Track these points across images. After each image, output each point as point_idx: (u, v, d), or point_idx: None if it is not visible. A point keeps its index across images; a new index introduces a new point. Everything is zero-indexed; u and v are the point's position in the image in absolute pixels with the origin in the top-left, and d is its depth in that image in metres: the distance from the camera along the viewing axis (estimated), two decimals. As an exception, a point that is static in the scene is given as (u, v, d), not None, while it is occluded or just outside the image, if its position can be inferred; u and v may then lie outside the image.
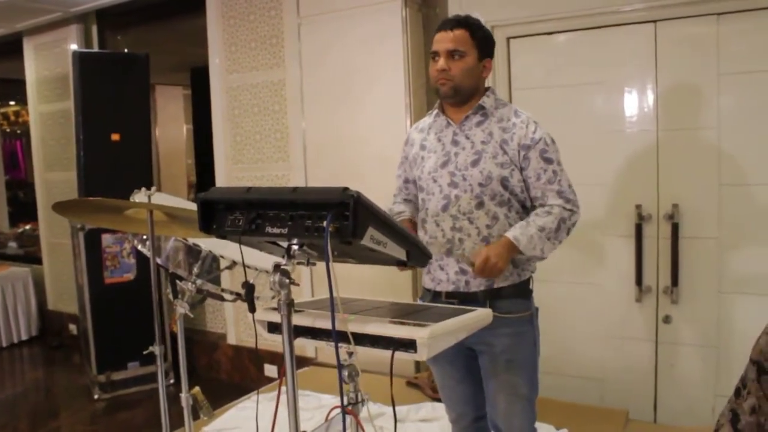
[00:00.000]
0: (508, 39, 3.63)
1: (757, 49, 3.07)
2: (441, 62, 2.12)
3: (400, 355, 1.44)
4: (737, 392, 1.13)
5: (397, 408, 3.27)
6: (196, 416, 2.48)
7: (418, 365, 3.88)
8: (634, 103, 3.36)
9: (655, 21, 3.28)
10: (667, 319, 3.32)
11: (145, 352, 2.39)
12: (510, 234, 2.05)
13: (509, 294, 2.14)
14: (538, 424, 3.10)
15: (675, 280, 3.26)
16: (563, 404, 3.40)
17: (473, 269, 2.04)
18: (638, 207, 3.33)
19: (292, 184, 4.28)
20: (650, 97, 3.31)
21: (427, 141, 2.26)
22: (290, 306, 1.43)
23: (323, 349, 4.04)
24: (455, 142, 2.18)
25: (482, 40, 2.18)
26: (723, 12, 3.13)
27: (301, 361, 4.15)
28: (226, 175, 4.66)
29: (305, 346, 4.30)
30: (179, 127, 6.89)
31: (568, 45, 3.53)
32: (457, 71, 2.12)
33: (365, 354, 1.50)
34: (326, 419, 1.61)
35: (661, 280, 3.33)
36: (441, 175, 2.17)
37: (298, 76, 4.21)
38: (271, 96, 4.37)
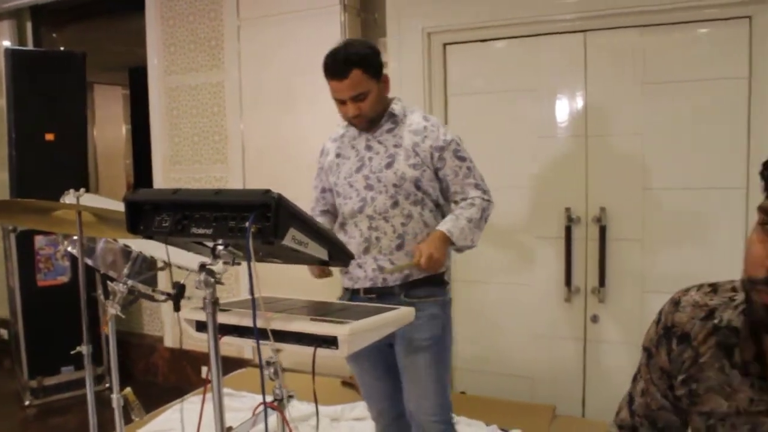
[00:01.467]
0: (445, 45, 3.71)
1: (678, 60, 3.22)
2: (350, 108, 2.21)
3: (323, 352, 1.48)
4: (634, 378, 1.21)
5: (331, 407, 3.34)
6: (128, 418, 2.47)
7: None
8: (565, 110, 3.47)
9: (584, 31, 3.40)
10: (594, 318, 3.44)
11: (72, 352, 2.38)
12: (443, 227, 2.18)
13: (424, 283, 2.26)
14: (467, 420, 3.20)
15: (602, 281, 3.38)
16: (493, 401, 3.50)
17: (420, 266, 2.14)
18: (568, 210, 3.44)
19: (230, 186, 4.28)
20: (579, 104, 3.43)
21: (341, 149, 2.36)
22: (215, 305, 1.46)
23: (266, 352, 4.05)
24: (369, 148, 2.29)
25: (373, 68, 2.22)
26: (647, 24, 3.27)
27: (239, 363, 4.15)
28: (164, 177, 4.63)
29: (243, 348, 4.30)
30: (118, 128, 6.78)
31: (503, 52, 3.62)
32: (367, 108, 2.22)
33: (300, 355, 1.54)
34: (252, 415, 1.63)
35: (589, 281, 3.45)
36: (356, 180, 2.27)
37: (238, 78, 4.21)
38: (210, 98, 4.36)
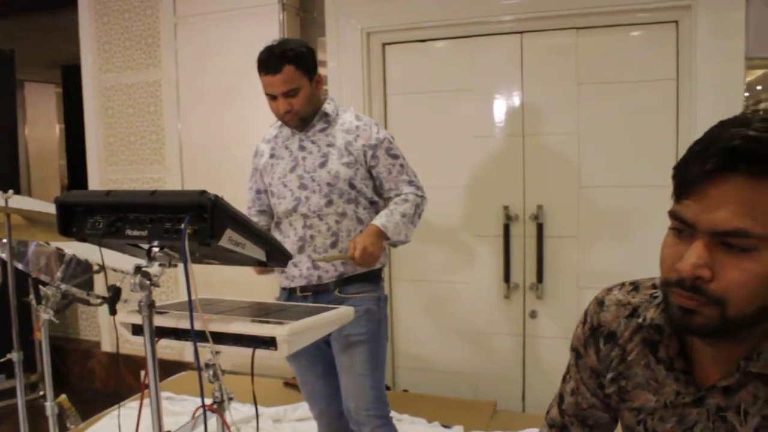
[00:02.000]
0: (384, 45, 3.73)
1: (612, 61, 3.32)
2: (281, 104, 2.22)
3: (263, 353, 1.47)
4: (564, 378, 1.24)
5: (274, 408, 3.31)
6: (63, 427, 2.41)
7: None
8: (503, 109, 3.53)
9: (521, 32, 3.47)
10: (533, 314, 3.51)
11: (1, 360, 2.31)
12: (377, 222, 2.21)
13: (358, 279, 2.28)
14: (410, 418, 3.23)
15: (540, 277, 3.45)
16: (435, 398, 3.53)
17: (355, 260, 2.16)
18: (506, 208, 3.50)
19: (168, 186, 4.21)
20: (517, 104, 3.49)
21: (275, 150, 2.37)
22: (151, 307, 1.44)
23: (205, 355, 4.01)
24: (302, 148, 2.31)
25: (307, 65, 2.25)
26: (582, 27, 3.36)
27: (179, 366, 4.09)
28: (99, 178, 4.51)
29: (183, 351, 4.24)
30: (51, 127, 6.58)
31: (441, 52, 3.66)
32: (299, 105, 2.24)
33: (240, 356, 1.53)
34: (192, 418, 1.62)
35: (527, 277, 3.52)
36: (291, 179, 2.29)
37: (175, 76, 4.14)
38: (147, 96, 4.28)
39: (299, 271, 2.27)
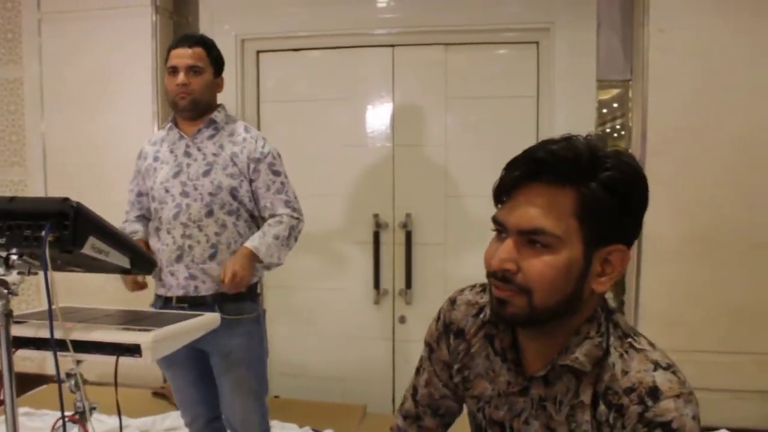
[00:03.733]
0: (258, 53, 3.74)
1: (479, 77, 3.50)
2: (181, 77, 2.21)
3: (127, 361, 1.46)
4: (417, 371, 1.33)
5: (142, 419, 3.24)
6: None
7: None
8: (374, 120, 3.63)
9: (393, 45, 3.59)
10: (402, 319, 3.63)
11: None
12: (250, 245, 2.19)
13: (237, 297, 2.26)
14: (281, 424, 3.25)
15: (409, 283, 3.57)
16: (306, 403, 3.57)
17: (223, 285, 2.15)
18: (376, 216, 3.60)
19: (29, 189, 4.01)
20: (388, 115, 3.60)
21: (160, 153, 2.33)
22: (8, 317, 1.40)
23: (66, 365, 3.85)
24: (187, 154, 2.28)
25: (217, 59, 2.32)
26: (450, 43, 3.52)
27: (40, 380, 3.91)
28: (-48, 180, 4.24)
29: (44, 364, 4.05)
30: None
31: (316, 62, 3.71)
32: (197, 86, 2.23)
33: (106, 366, 1.51)
34: (52, 429, 1.58)
35: (396, 284, 3.63)
36: (173, 185, 2.25)
37: (38, 75, 3.95)
38: (7, 95, 4.06)
39: (176, 281, 2.24)
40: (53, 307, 1.36)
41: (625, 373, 0.99)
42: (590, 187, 0.97)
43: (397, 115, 3.59)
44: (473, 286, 1.26)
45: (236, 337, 2.24)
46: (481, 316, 1.20)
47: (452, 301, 1.27)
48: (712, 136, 3.17)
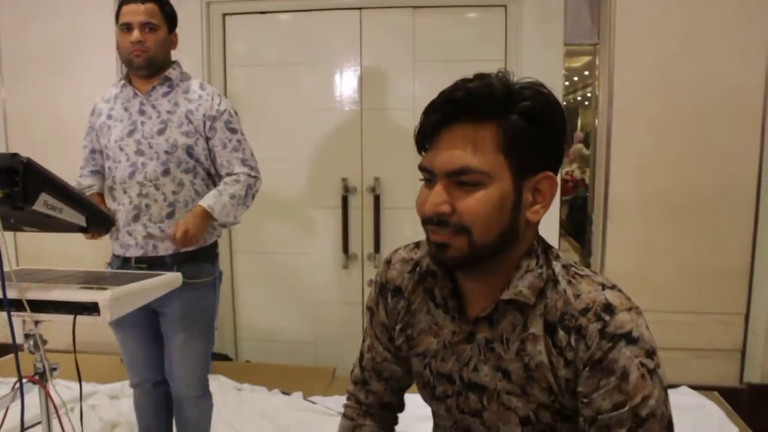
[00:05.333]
0: (224, 15, 3.68)
1: (446, 41, 3.48)
2: (136, 34, 2.17)
3: (85, 320, 1.45)
4: (363, 337, 1.34)
5: (110, 385, 3.23)
6: None
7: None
8: (342, 84, 3.61)
9: (360, 8, 3.55)
10: (371, 283, 3.62)
11: None
12: (204, 203, 2.17)
13: (197, 259, 2.26)
14: (251, 387, 3.28)
15: (377, 247, 3.58)
16: (276, 366, 3.60)
17: (174, 241, 2.13)
18: (344, 180, 3.59)
19: (-9, 156, 3.93)
20: (356, 79, 3.58)
21: (113, 111, 2.29)
22: (-42, 279, 1.38)
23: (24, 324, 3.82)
24: (142, 112, 2.24)
25: (170, 15, 2.28)
26: (418, 6, 3.49)
27: (5, 349, 3.88)
28: None
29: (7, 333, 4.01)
30: None
31: (283, 25, 3.67)
32: (152, 43, 2.20)
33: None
34: (11, 390, 1.57)
35: (365, 248, 3.64)
36: (127, 144, 2.21)
37: (-5, 39, 3.85)
38: (-36, 61, 3.95)
39: (134, 240, 2.21)
40: (6, 269, 1.34)
41: (577, 296, 1.02)
42: (510, 119, 0.98)
43: (365, 79, 3.57)
44: (407, 245, 1.26)
45: (189, 301, 2.24)
46: (417, 269, 1.21)
47: (387, 262, 1.27)
48: (677, 99, 3.20)
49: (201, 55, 3.61)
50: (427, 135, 1.04)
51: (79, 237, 2.66)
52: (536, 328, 1.05)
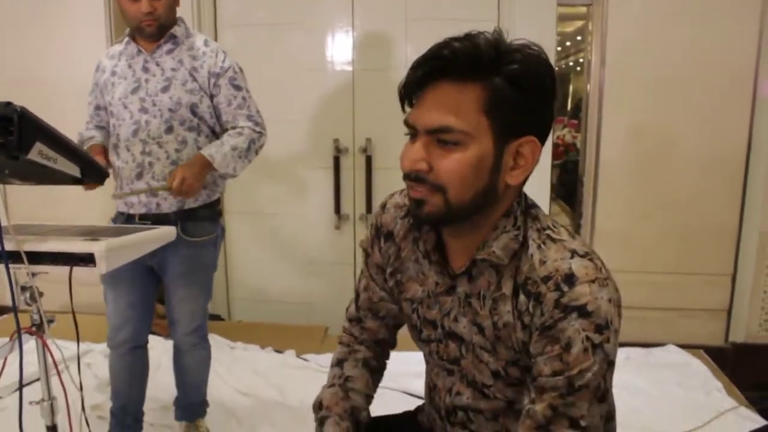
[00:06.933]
0: (214, -26, 3.64)
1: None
2: (146, 5, 2.13)
3: (81, 271, 1.46)
4: (359, 278, 1.38)
5: (105, 344, 3.25)
6: None
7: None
8: (333, 44, 3.58)
9: (352, -33, 3.51)
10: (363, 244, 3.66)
11: None
12: (205, 152, 2.16)
13: (200, 217, 2.27)
14: (244, 345, 3.32)
15: (369, 208, 3.60)
16: (269, 325, 3.64)
17: (171, 191, 2.12)
18: (336, 141, 3.59)
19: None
20: (348, 39, 3.56)
21: (117, 67, 2.26)
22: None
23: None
24: (146, 69, 2.22)
25: None
26: (412, -37, 3.45)
27: (4, 311, 3.90)
28: None
29: (4, 294, 4.01)
30: None
31: (274, -16, 3.62)
32: (162, 9, 2.16)
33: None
34: (9, 340, 1.58)
35: (357, 208, 3.66)
36: (131, 101, 2.20)
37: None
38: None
39: (137, 198, 2.22)
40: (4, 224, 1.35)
41: (542, 262, 1.03)
42: (495, 82, 0.98)
43: (358, 39, 3.55)
44: (402, 190, 1.27)
45: (193, 257, 2.26)
46: (408, 218, 1.23)
47: (383, 206, 1.30)
48: (669, 61, 3.20)
49: (191, 15, 3.55)
50: (411, 90, 1.05)
51: (71, 203, 2.65)
52: (507, 288, 1.07)
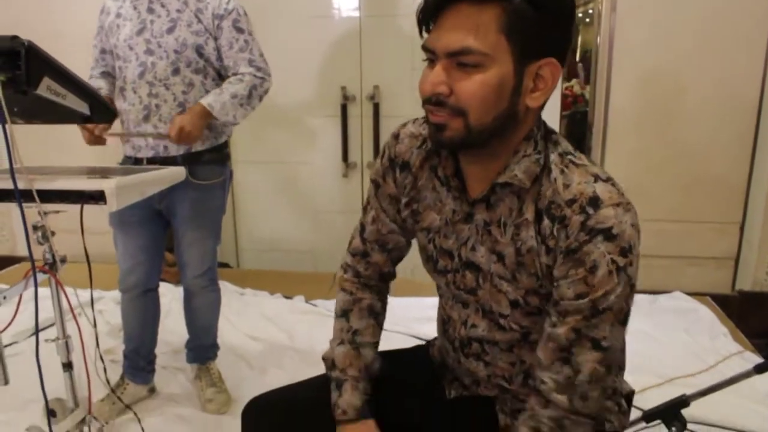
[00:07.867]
0: None
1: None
2: None
3: (91, 215, 1.46)
4: (364, 209, 1.37)
5: (115, 291, 3.28)
6: None
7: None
8: (340, -10, 3.53)
9: None
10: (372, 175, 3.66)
11: None
12: (204, 101, 2.15)
13: (207, 160, 2.26)
14: (253, 291, 3.35)
15: (377, 156, 3.57)
16: (278, 273, 3.68)
17: (170, 138, 2.12)
18: (343, 88, 3.57)
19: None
20: (354, -16, 3.51)
21: (122, 9, 2.24)
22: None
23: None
24: (151, 10, 2.19)
25: None
26: None
27: (11, 260, 3.94)
28: None
29: (16, 246, 4.05)
30: None
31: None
32: None
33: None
34: (23, 278, 1.59)
35: (364, 156, 3.65)
36: (137, 43, 2.17)
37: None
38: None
39: (145, 141, 2.21)
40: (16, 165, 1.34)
41: (566, 186, 1.03)
42: (514, 2, 0.96)
43: (364, -16, 3.50)
44: (415, 120, 1.26)
45: (201, 201, 2.26)
46: (424, 146, 1.22)
47: (395, 136, 1.28)
48: (680, 6, 3.14)
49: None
50: (429, 13, 1.02)
51: (76, 152, 2.62)
52: (529, 213, 1.07)
